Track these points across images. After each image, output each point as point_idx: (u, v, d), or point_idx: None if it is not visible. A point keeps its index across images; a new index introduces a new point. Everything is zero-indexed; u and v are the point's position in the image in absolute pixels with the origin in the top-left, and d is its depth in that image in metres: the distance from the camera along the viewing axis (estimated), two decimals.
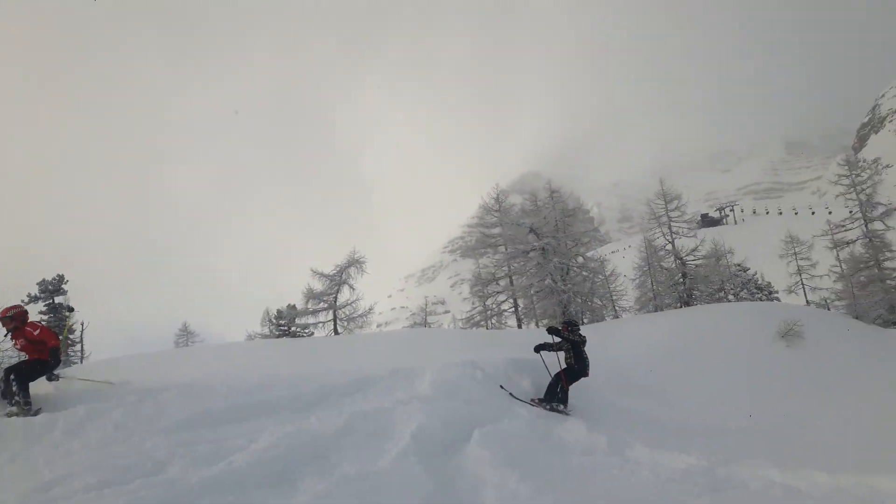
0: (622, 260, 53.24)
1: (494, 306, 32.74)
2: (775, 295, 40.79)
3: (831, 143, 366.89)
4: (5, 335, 7.54)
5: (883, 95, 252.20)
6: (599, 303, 30.51)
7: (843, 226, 35.34)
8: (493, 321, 32.60)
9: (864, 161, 38.21)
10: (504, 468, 5.21)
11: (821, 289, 39.12)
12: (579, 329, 10.35)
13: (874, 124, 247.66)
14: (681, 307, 29.36)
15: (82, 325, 34.67)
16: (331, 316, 26.39)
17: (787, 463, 5.90)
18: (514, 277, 30.85)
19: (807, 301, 39.82)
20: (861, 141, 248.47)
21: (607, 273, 36.38)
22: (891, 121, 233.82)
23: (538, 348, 10.61)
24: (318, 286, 26.16)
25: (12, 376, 6.96)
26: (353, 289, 26.31)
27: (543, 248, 27.38)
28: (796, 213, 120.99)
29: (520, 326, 29.95)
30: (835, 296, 37.05)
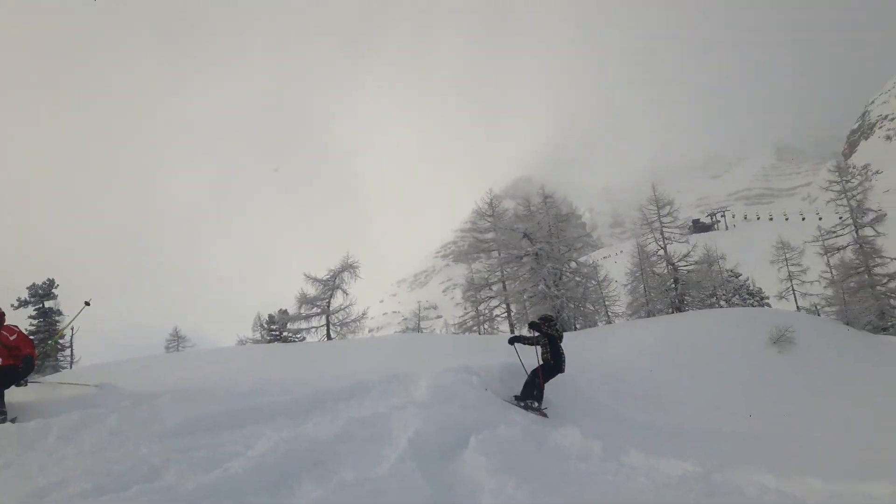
0: (614, 265, 53.42)
1: (487, 311, 32.76)
2: (766, 301, 41.05)
3: (822, 150, 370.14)
4: None
5: (872, 102, 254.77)
6: (592, 308, 30.56)
7: (834, 232, 35.63)
8: (486, 326, 32.61)
9: (855, 167, 38.57)
10: (501, 474, 5.20)
11: (811, 294, 39.43)
12: (556, 324, 10.40)
13: (864, 130, 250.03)
14: (672, 313, 29.46)
15: (72, 329, 34.38)
16: (323, 321, 26.35)
17: (782, 469, 5.93)
18: (507, 282, 30.88)
19: (797, 307, 40.08)
20: (851, 147, 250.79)
21: (600, 278, 36.49)
22: (880, 127, 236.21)
23: (513, 340, 10.68)
24: (311, 291, 26.14)
25: None
26: (347, 294, 26.29)
27: (537, 254, 27.44)
28: (787, 219, 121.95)
29: (512, 331, 29.93)
30: (825, 302, 37.31)
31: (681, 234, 33.05)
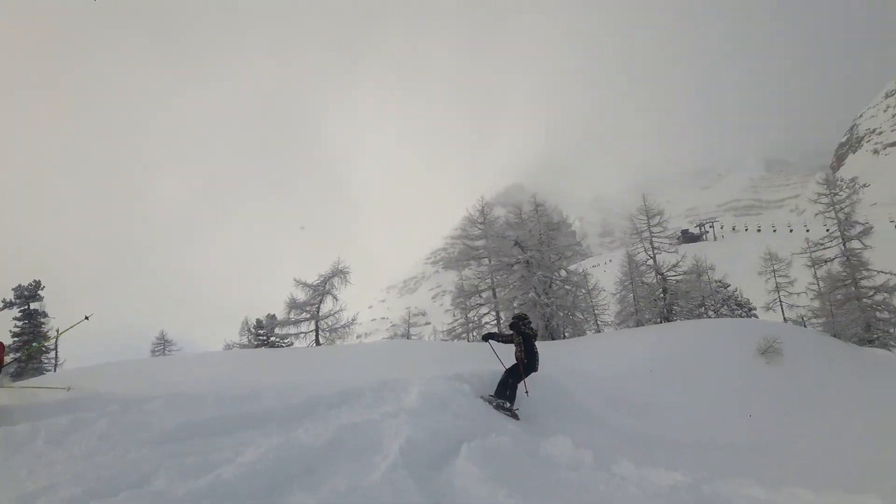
0: (603, 274, 53.66)
1: (476, 318, 32.78)
2: (753, 312, 41.34)
3: (810, 162, 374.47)
4: None
5: (861, 116, 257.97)
6: (581, 317, 30.67)
7: (822, 244, 35.96)
8: (475, 333, 32.63)
9: (843, 180, 38.94)
10: (493, 483, 5.20)
11: (798, 306, 39.69)
12: (530, 323, 10.44)
13: (852, 144, 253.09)
14: (661, 322, 29.61)
15: (57, 331, 34.08)
16: (313, 326, 26.26)
17: (772, 480, 5.97)
18: (496, 290, 30.93)
19: (784, 318, 40.36)
20: (839, 160, 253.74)
21: (589, 287, 36.61)
22: (868, 140, 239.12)
23: (487, 337, 10.71)
24: (301, 296, 26.03)
25: None
26: (337, 299, 26.22)
27: (528, 262, 27.52)
28: (775, 231, 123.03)
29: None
30: (811, 313, 37.58)
31: (670, 244, 33.28)
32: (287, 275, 27.33)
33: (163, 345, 42.72)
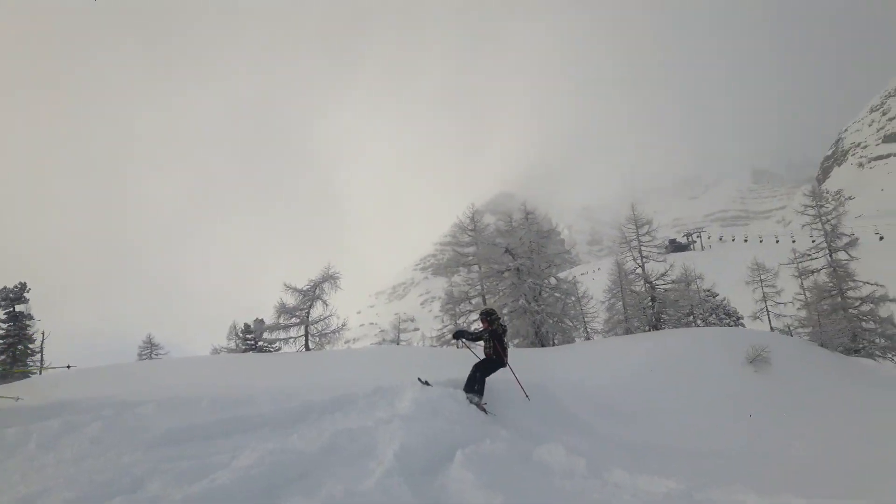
0: (592, 282, 53.85)
1: (465, 325, 32.71)
2: (741, 321, 41.60)
3: (796, 174, 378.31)
4: None
5: (846, 130, 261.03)
6: (570, 324, 30.75)
7: (809, 255, 36.32)
8: (464, 341, 32.48)
9: (829, 192, 39.37)
10: (487, 489, 5.20)
11: (785, 315, 39.97)
12: (499, 319, 10.46)
13: (837, 157, 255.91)
14: (649, 330, 29.75)
15: (43, 334, 33.76)
16: (301, 331, 26.11)
17: (764, 487, 6.01)
18: (486, 297, 30.93)
19: (771, 327, 40.62)
20: (825, 173, 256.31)
21: (579, 295, 36.72)
22: (853, 154, 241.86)
23: (458, 334, 10.74)
24: (290, 301, 25.87)
25: None
26: (327, 304, 26.09)
27: (518, 269, 27.60)
28: (761, 241, 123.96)
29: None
30: (798, 323, 37.85)
31: (658, 253, 33.49)
32: (275, 279, 27.14)
33: (150, 348, 42.33)
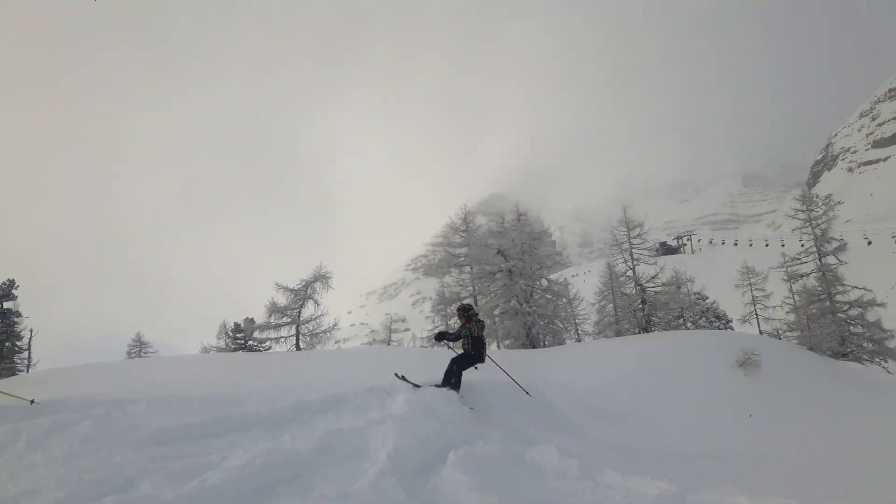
0: (583, 284, 53.95)
1: (456, 325, 32.71)
2: (730, 324, 41.79)
3: (786, 179, 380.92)
4: None
5: (836, 135, 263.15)
6: (561, 325, 30.82)
7: (799, 259, 36.55)
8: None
9: (818, 197, 39.51)
10: (481, 491, 5.19)
11: (774, 319, 40.20)
12: (477, 314, 10.47)
13: (827, 162, 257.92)
14: (639, 332, 29.86)
15: (31, 331, 33.48)
16: (292, 331, 26.03)
17: (756, 489, 6.02)
18: (478, 297, 30.95)
19: (760, 330, 40.84)
20: (815, 177, 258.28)
21: (570, 296, 36.81)
22: (843, 159, 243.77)
23: (439, 337, 10.75)
24: (281, 300, 25.80)
25: None
26: (319, 304, 26.02)
27: (510, 270, 27.63)
28: (751, 245, 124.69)
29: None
30: (787, 326, 38.08)
31: (649, 255, 33.62)
32: (265, 278, 27.09)
33: (139, 347, 42.06)
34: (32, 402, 7.35)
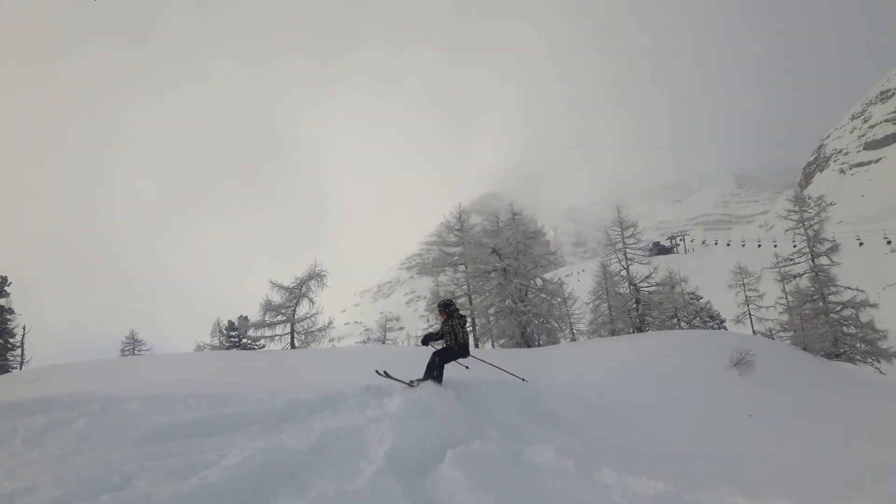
0: (577, 283, 54.08)
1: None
2: (724, 324, 41.97)
3: (779, 180, 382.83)
4: None
5: (828, 136, 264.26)
6: (556, 325, 30.90)
7: (792, 259, 36.74)
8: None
9: (811, 198, 39.64)
10: (479, 489, 5.20)
11: (767, 319, 40.39)
12: (458, 310, 10.47)
13: (819, 163, 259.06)
14: (633, 332, 29.96)
15: (24, 328, 33.35)
16: (287, 329, 26.01)
17: (752, 490, 6.04)
18: (472, 296, 30.99)
19: (753, 331, 41.01)
20: (807, 179, 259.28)
21: (564, 296, 36.90)
22: (835, 161, 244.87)
23: (426, 340, 10.79)
24: (276, 298, 25.76)
25: None
26: (313, 302, 26.02)
27: (505, 269, 27.67)
28: (744, 245, 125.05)
29: (476, 346, 30.01)
30: (780, 326, 38.28)
31: (643, 255, 33.78)
32: (259, 277, 27.13)
33: (133, 344, 41.94)
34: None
